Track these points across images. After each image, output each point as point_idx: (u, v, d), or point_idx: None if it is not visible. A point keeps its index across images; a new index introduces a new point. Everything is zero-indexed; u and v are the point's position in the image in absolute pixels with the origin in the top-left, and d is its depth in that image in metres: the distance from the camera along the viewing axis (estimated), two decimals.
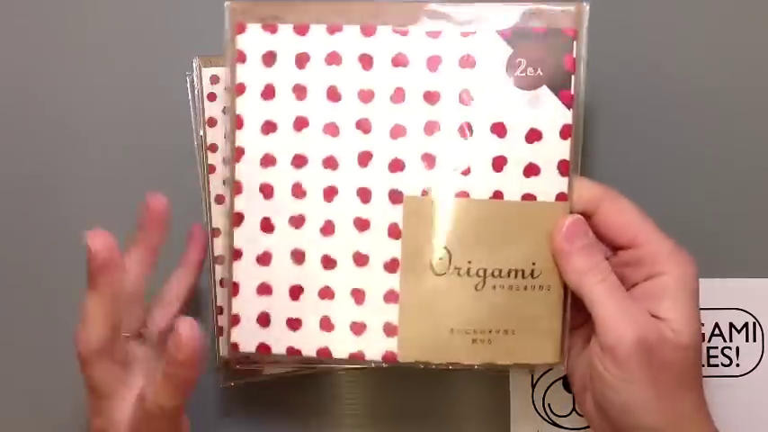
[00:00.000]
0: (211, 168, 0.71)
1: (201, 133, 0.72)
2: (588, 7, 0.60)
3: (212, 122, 0.72)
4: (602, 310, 0.58)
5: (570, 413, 0.75)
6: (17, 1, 0.77)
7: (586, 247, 0.59)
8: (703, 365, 0.69)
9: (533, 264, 0.59)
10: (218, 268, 0.70)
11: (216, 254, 0.71)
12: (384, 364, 0.61)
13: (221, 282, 0.68)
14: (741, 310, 0.76)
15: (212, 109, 0.72)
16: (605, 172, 0.71)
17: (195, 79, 0.72)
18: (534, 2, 0.61)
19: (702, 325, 0.66)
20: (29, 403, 0.76)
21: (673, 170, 0.75)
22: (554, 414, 0.75)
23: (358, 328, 0.61)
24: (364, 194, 0.61)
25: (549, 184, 0.59)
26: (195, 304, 0.72)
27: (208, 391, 0.74)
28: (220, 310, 0.68)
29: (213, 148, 0.71)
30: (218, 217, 0.70)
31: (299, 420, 0.75)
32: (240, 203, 0.62)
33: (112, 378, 0.60)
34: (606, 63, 0.71)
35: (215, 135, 0.71)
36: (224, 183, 0.66)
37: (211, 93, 0.72)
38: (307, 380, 0.74)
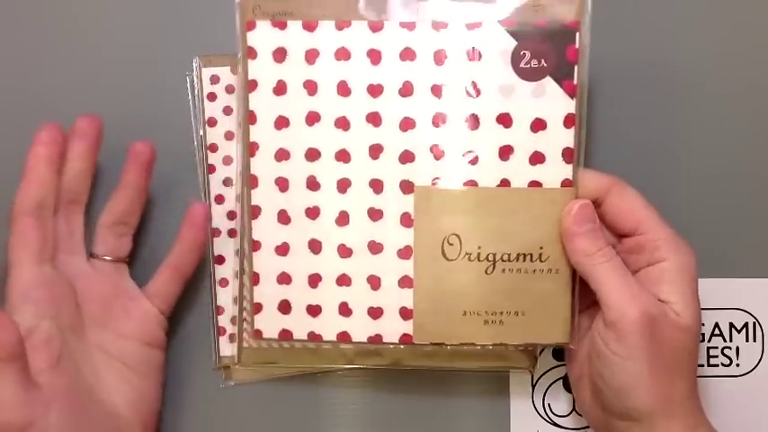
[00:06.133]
0: (211, 168, 0.81)
1: (201, 133, 0.81)
2: None
3: (212, 122, 0.81)
4: (606, 287, 0.71)
5: (570, 413, 0.84)
6: (17, 0, 0.85)
7: (593, 231, 0.72)
8: (702, 365, 0.83)
9: (541, 248, 0.73)
10: (219, 268, 0.82)
11: (216, 254, 0.82)
12: (401, 346, 0.75)
13: (221, 281, 0.81)
14: (741, 310, 0.85)
15: (212, 109, 0.81)
16: (604, 170, 0.77)
17: (195, 79, 0.82)
18: None
19: (702, 325, 0.79)
20: None
21: (673, 169, 0.84)
22: (554, 414, 0.84)
23: (375, 313, 0.75)
24: (376, 185, 0.74)
25: (555, 172, 0.73)
26: (195, 305, 0.82)
27: (208, 391, 0.84)
28: (220, 310, 0.82)
29: (213, 148, 0.81)
30: (219, 217, 0.81)
31: (300, 420, 0.84)
32: (257, 197, 0.75)
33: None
34: (610, 52, 0.81)
35: (215, 135, 0.81)
36: (224, 183, 0.80)
37: (211, 92, 0.82)
38: (307, 380, 0.84)
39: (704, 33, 0.84)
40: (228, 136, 0.82)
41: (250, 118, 0.75)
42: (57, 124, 0.74)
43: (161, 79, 0.83)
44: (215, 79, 0.82)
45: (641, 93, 0.84)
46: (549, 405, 0.83)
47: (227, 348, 0.81)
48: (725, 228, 0.84)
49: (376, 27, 0.73)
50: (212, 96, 0.82)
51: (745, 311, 0.84)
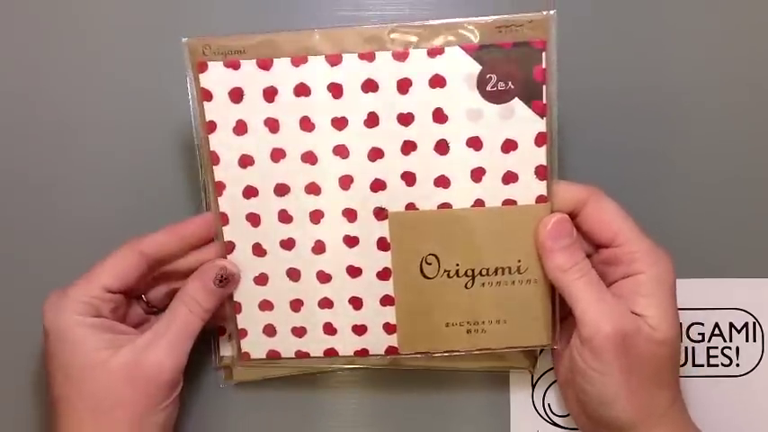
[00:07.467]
0: None
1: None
2: (555, 16, 0.70)
3: None
4: (581, 304, 0.73)
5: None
6: (17, 0, 0.85)
7: (569, 246, 0.73)
8: (702, 365, 0.85)
9: (519, 261, 0.75)
10: None
11: None
12: (388, 357, 0.78)
13: None
14: (741, 310, 0.86)
15: None
16: (601, 173, 0.81)
17: None
18: (500, 14, 0.70)
19: (702, 324, 0.84)
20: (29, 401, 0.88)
21: (673, 170, 0.85)
22: (554, 414, 0.86)
23: (360, 330, 0.78)
24: (350, 214, 0.75)
25: (528, 189, 0.74)
26: None
27: (208, 391, 0.87)
28: None
29: None
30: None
31: (300, 420, 0.88)
32: (229, 233, 0.76)
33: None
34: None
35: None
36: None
37: None
38: (307, 380, 0.87)
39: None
40: None
41: (212, 159, 0.74)
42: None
43: (161, 79, 0.83)
44: None
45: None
46: (548, 405, 0.86)
47: (227, 348, 0.83)
48: (725, 228, 0.85)
49: (334, 60, 0.71)
50: None
51: (745, 311, 0.86)
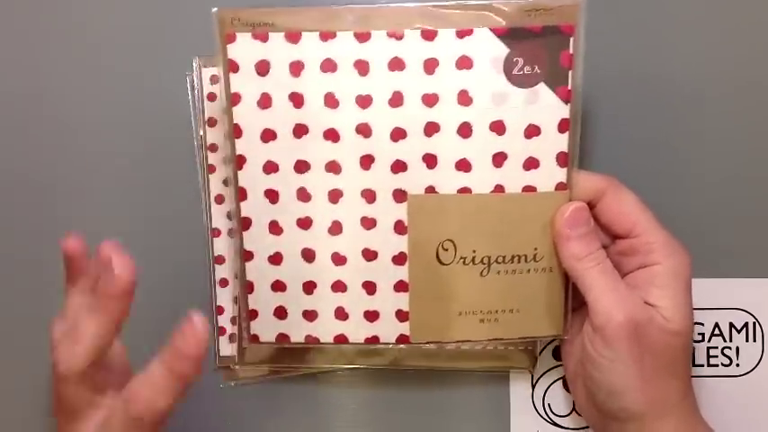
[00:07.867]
0: (211, 168, 0.81)
1: (201, 133, 0.81)
2: (585, 1, 0.71)
3: (212, 122, 0.81)
4: (594, 292, 0.73)
5: (570, 413, 0.87)
6: (17, 0, 0.85)
7: (586, 235, 0.74)
8: (702, 365, 0.85)
9: (535, 249, 0.75)
10: (218, 268, 0.83)
11: (216, 254, 0.83)
12: (399, 346, 0.78)
13: (221, 281, 0.83)
14: (741, 310, 0.87)
15: (212, 109, 0.81)
16: (603, 171, 0.78)
17: (195, 79, 0.81)
18: None
19: (702, 324, 0.83)
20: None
21: (672, 169, 0.85)
22: (554, 414, 0.87)
23: (371, 316, 0.77)
24: (369, 195, 0.75)
25: (549, 176, 0.74)
26: (195, 305, 0.81)
27: (208, 391, 0.86)
28: (220, 310, 0.83)
29: (213, 148, 0.81)
30: (219, 217, 0.82)
31: (300, 420, 0.87)
32: (246, 209, 0.75)
33: (85, 399, 0.69)
34: (606, 56, 0.81)
35: (215, 135, 0.81)
36: (225, 183, 0.79)
37: (211, 93, 0.81)
38: (307, 380, 0.86)
39: (701, 36, 0.83)
40: None
41: (235, 132, 0.74)
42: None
43: (161, 79, 0.83)
44: (215, 79, 0.81)
45: (640, 93, 0.84)
46: (549, 405, 0.86)
47: (227, 348, 0.83)
48: (725, 228, 0.85)
49: (362, 37, 0.72)
50: (212, 96, 0.81)
51: (745, 311, 0.86)
